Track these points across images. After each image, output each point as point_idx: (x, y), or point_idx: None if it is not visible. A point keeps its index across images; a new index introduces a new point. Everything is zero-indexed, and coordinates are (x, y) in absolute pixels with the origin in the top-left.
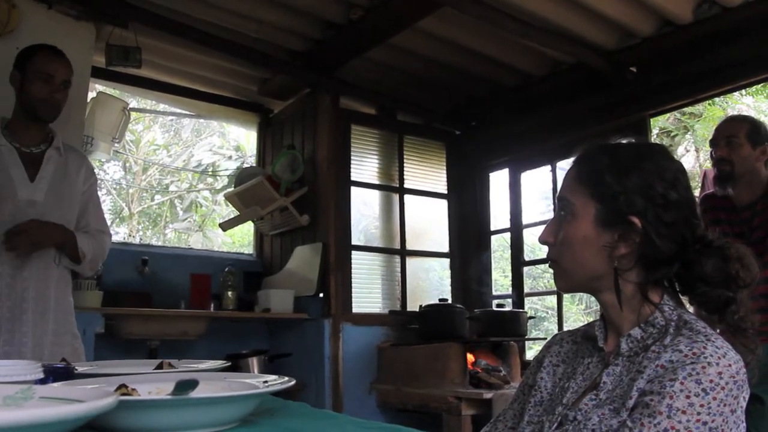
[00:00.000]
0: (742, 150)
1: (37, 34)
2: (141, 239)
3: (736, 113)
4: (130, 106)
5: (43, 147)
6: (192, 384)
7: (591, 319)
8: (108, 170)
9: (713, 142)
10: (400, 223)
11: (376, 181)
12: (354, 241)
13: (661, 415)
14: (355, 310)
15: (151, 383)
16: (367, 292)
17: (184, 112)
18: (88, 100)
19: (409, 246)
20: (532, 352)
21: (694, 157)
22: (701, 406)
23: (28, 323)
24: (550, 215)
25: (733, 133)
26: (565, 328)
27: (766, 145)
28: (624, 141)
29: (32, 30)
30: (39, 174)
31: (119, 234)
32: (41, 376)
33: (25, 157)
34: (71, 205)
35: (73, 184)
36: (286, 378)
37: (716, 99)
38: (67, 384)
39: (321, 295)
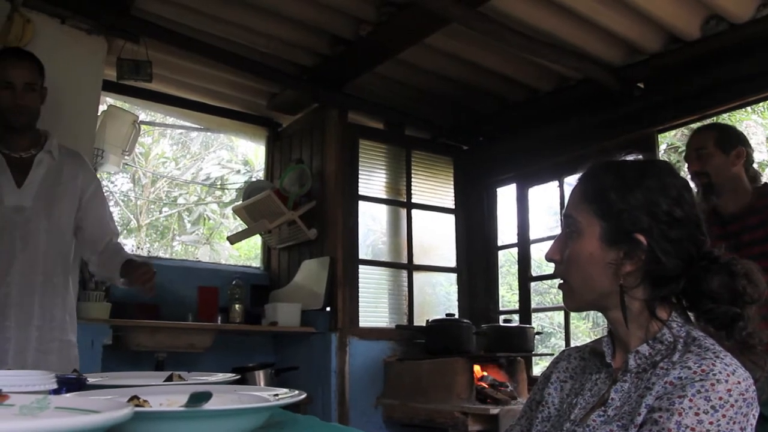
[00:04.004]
0: (713, 159)
1: (51, 47)
2: (149, 251)
3: (706, 123)
4: (140, 119)
5: (33, 152)
6: (206, 396)
7: (598, 336)
8: (117, 182)
9: (686, 158)
10: (407, 237)
11: (383, 196)
12: (361, 256)
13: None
14: (362, 324)
15: (162, 395)
16: (374, 306)
17: (193, 125)
18: (99, 113)
19: (417, 260)
20: (539, 367)
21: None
22: (710, 423)
23: (10, 329)
24: (557, 231)
25: (702, 145)
26: (572, 345)
27: (740, 148)
28: (628, 158)
29: (45, 44)
30: (27, 179)
31: (127, 246)
32: (55, 386)
33: (13, 163)
34: (64, 210)
35: (67, 189)
36: (297, 391)
37: (723, 115)
38: (80, 395)
39: (328, 309)
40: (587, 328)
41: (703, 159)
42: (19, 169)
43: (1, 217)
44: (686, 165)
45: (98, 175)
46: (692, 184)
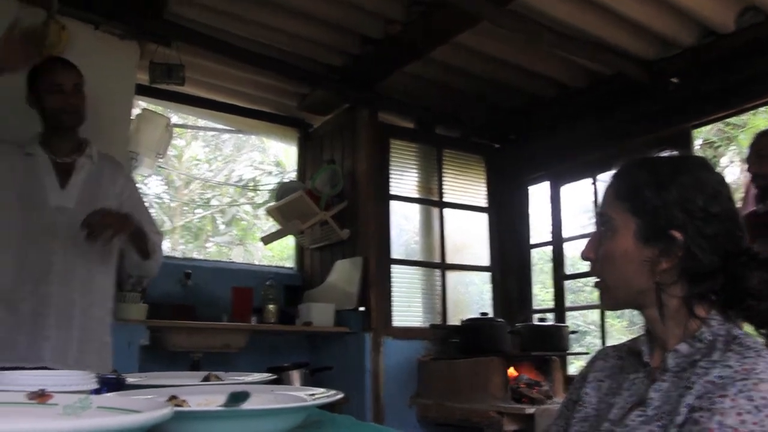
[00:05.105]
0: None
1: (85, 53)
2: (183, 253)
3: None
4: (172, 122)
5: (75, 157)
6: (244, 396)
7: (634, 335)
8: (150, 185)
9: (747, 159)
10: (440, 236)
11: (415, 195)
12: (394, 255)
13: None
14: (395, 323)
15: (200, 395)
16: (408, 305)
17: (225, 127)
18: (133, 116)
19: (450, 260)
20: (574, 366)
21: (738, 168)
22: (754, 423)
23: (50, 329)
24: (591, 229)
25: (762, 147)
26: (608, 343)
27: None
28: (662, 154)
29: (80, 50)
30: (70, 182)
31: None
32: (96, 386)
33: (57, 167)
34: None
35: (108, 192)
36: (333, 391)
37: (761, 109)
38: (121, 394)
39: (362, 308)
40: (623, 326)
41: (763, 161)
42: (62, 172)
43: (45, 217)
44: (746, 167)
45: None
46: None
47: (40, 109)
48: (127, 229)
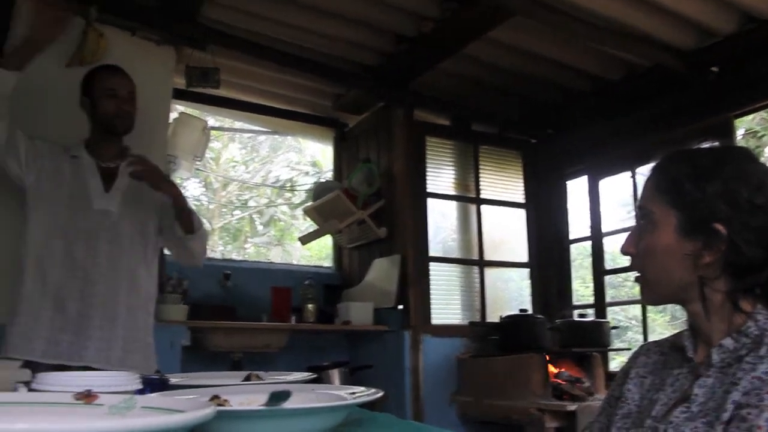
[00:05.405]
0: None
1: (123, 60)
2: (222, 254)
3: None
4: (209, 124)
5: (118, 162)
6: (285, 395)
7: (676, 330)
8: (189, 188)
9: None
10: (477, 233)
11: (452, 192)
12: (432, 253)
13: (760, 429)
14: (434, 321)
15: (241, 394)
16: (446, 303)
17: (261, 129)
18: (170, 120)
19: (488, 256)
20: (616, 362)
21: None
22: None
23: (93, 329)
24: (630, 223)
25: None
26: (650, 339)
27: None
28: (703, 146)
29: (117, 56)
30: (114, 185)
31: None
32: (140, 386)
33: (101, 171)
34: (148, 216)
35: (148, 196)
36: (373, 389)
37: None
38: (164, 394)
39: (400, 307)
40: (665, 321)
41: None
42: (106, 176)
43: (89, 220)
44: None
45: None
46: None
47: (92, 113)
48: (163, 180)
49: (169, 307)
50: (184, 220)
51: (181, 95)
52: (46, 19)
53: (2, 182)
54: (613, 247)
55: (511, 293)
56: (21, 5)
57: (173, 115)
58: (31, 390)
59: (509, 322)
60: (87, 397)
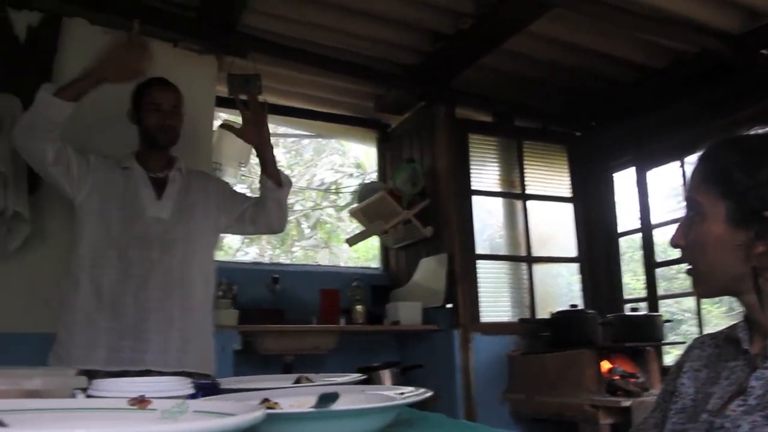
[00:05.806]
0: None
1: (166, 71)
2: (271, 258)
3: None
4: None
5: (167, 171)
6: (333, 397)
7: (733, 322)
8: None
9: None
10: (524, 229)
11: (497, 189)
12: (479, 250)
13: None
14: (483, 319)
15: (291, 397)
16: (495, 300)
17: (304, 133)
18: (214, 128)
19: (535, 252)
20: (670, 356)
21: None
22: None
23: (149, 332)
24: (680, 213)
25: None
26: (706, 331)
27: None
28: (751, 133)
29: (160, 67)
30: (165, 193)
31: (249, 254)
32: (192, 391)
33: (152, 181)
34: (200, 222)
35: (199, 201)
36: (423, 389)
37: None
38: (215, 398)
39: (449, 305)
40: (721, 313)
41: None
42: (157, 185)
43: (143, 227)
44: None
45: None
46: None
47: (139, 125)
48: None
49: (220, 312)
50: (274, 173)
51: (223, 103)
52: (122, 66)
53: (50, 198)
54: (663, 238)
55: (561, 289)
56: (98, 39)
57: (217, 123)
58: (88, 396)
59: (560, 318)
60: (141, 402)
